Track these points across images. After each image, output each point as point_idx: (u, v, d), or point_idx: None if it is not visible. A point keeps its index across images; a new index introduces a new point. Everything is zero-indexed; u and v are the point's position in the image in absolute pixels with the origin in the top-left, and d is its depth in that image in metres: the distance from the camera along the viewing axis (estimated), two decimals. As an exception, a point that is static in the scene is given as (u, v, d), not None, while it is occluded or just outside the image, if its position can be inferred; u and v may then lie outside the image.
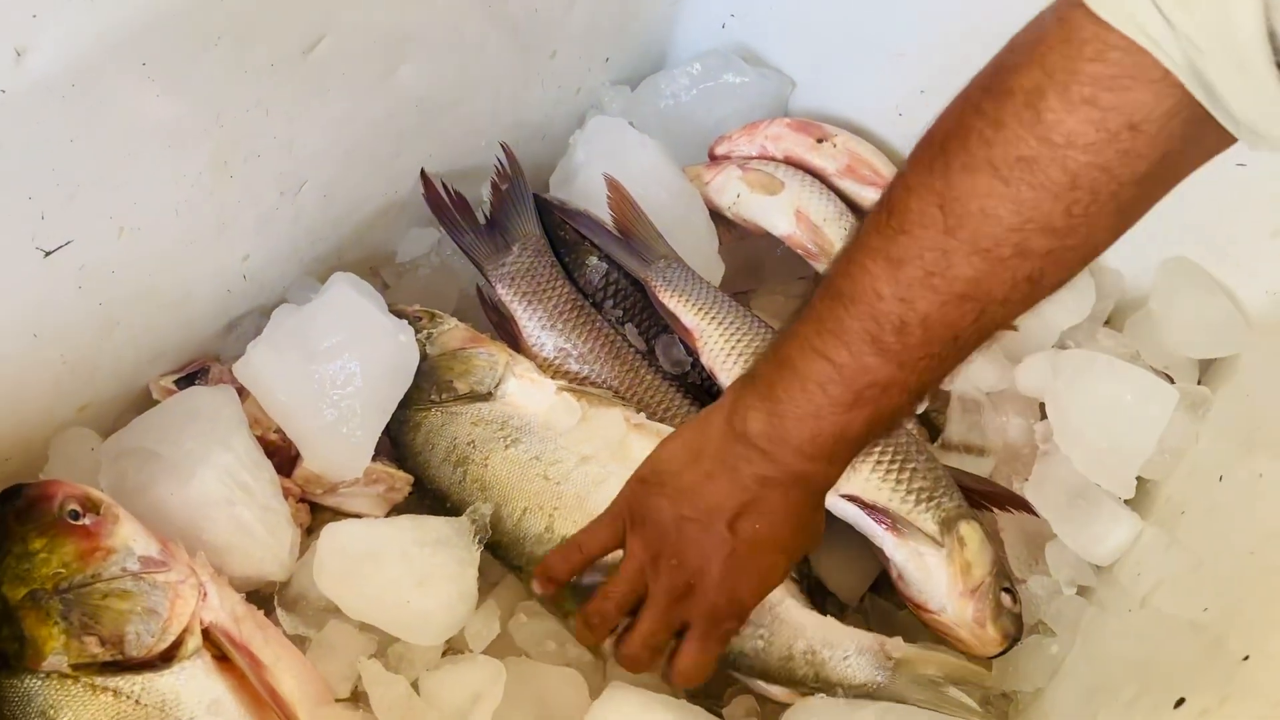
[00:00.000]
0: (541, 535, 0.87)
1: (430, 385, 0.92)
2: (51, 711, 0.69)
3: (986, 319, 0.60)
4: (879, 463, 0.93)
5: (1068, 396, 0.97)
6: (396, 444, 0.93)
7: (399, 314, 0.93)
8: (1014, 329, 1.08)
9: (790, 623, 0.86)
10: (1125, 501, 0.95)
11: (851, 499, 0.93)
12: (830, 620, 0.88)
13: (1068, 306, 1.08)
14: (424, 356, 0.92)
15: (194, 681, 0.72)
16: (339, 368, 0.86)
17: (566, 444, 0.89)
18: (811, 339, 0.64)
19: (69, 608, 0.71)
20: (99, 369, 0.85)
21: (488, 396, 0.91)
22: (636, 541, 0.74)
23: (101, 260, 0.78)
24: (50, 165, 0.70)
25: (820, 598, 0.96)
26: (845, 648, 0.86)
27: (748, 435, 0.69)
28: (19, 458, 0.82)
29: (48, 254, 0.73)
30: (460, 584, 0.81)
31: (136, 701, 0.70)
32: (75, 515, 0.75)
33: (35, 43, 0.65)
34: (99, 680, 0.70)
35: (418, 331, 0.93)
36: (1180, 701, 0.65)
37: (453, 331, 0.95)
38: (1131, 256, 1.10)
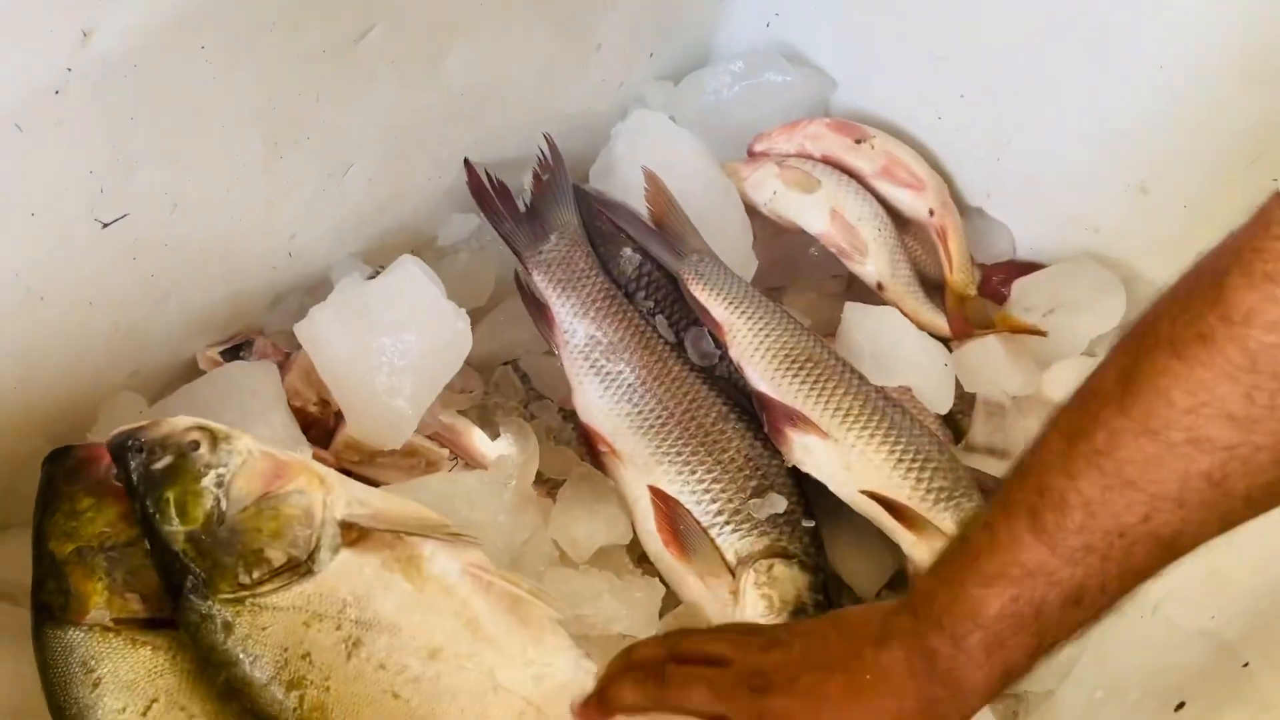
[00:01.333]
0: None
1: (235, 560, 0.71)
2: (92, 662, 0.72)
3: (1158, 521, 0.55)
4: (900, 460, 0.94)
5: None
6: (197, 645, 0.72)
7: (167, 435, 0.74)
8: (1043, 333, 1.10)
9: None
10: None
11: (871, 495, 0.94)
12: None
13: (1098, 314, 1.08)
14: (219, 518, 0.72)
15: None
16: (396, 341, 0.89)
17: (411, 636, 0.73)
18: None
19: (114, 565, 0.75)
20: (149, 337, 0.89)
21: (308, 567, 0.72)
22: None
23: (155, 233, 0.81)
24: (111, 142, 0.73)
25: (836, 591, 0.97)
26: None
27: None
28: (70, 419, 0.86)
29: (105, 225, 0.76)
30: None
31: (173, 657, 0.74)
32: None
33: (101, 25, 0.68)
34: (139, 635, 0.73)
35: (202, 471, 0.73)
36: (1180, 705, 0.66)
37: (250, 464, 0.74)
38: (1167, 269, 1.10)
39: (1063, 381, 1.04)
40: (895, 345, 1.06)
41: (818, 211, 1.14)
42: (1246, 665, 0.62)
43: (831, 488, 0.96)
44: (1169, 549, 0.56)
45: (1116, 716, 0.82)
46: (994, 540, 0.60)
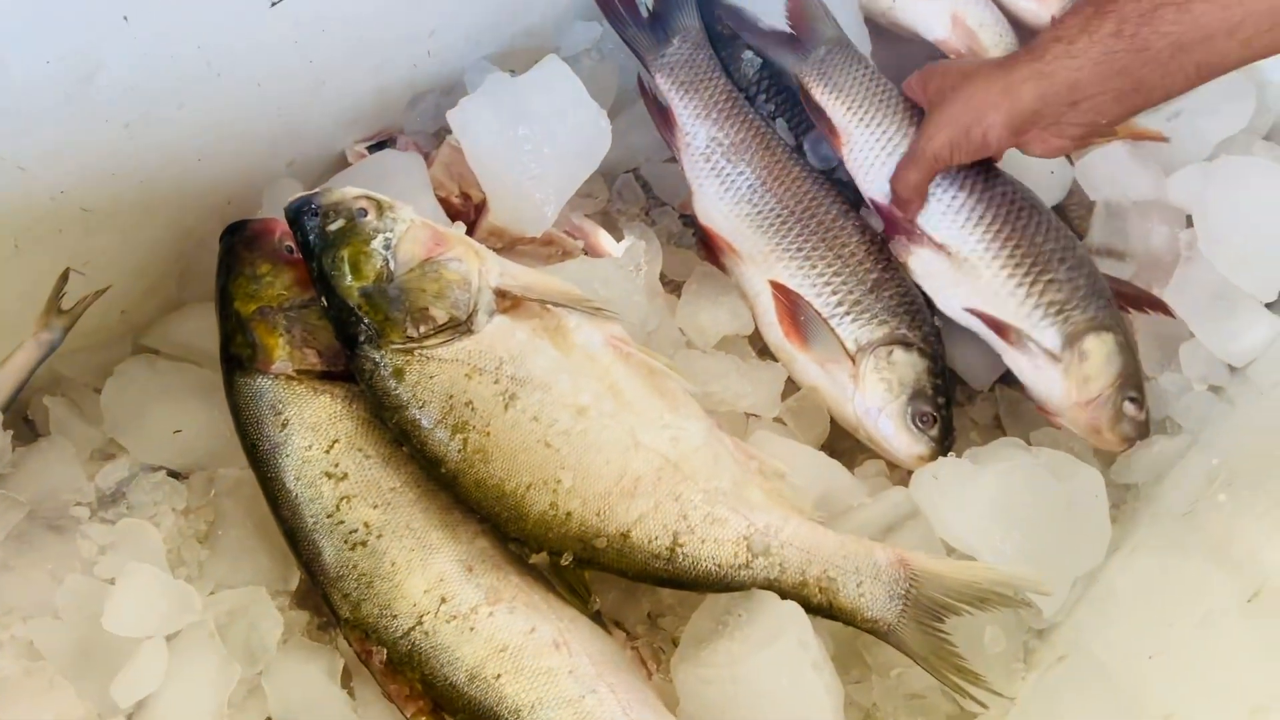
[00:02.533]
0: (545, 514, 0.79)
1: (403, 315, 0.78)
2: (280, 405, 0.79)
3: None
4: (1010, 275, 0.95)
5: (1218, 199, 0.98)
6: (371, 391, 0.79)
7: (339, 201, 0.81)
8: (1165, 139, 1.09)
9: (803, 547, 0.81)
10: (1267, 306, 0.97)
11: (974, 313, 0.96)
12: (847, 538, 0.82)
13: (1224, 117, 1.07)
14: (388, 277, 0.79)
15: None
16: (542, 130, 0.92)
17: (560, 395, 0.79)
18: None
19: (292, 323, 0.82)
20: (305, 127, 0.94)
21: (468, 326, 0.79)
22: None
23: (315, 15, 0.85)
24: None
25: (950, 383, 1.01)
26: (859, 571, 0.80)
27: None
28: (238, 203, 0.92)
29: (274, 4, 0.80)
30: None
31: (350, 405, 0.81)
32: (290, 250, 0.84)
33: None
34: (319, 384, 0.80)
35: (371, 235, 0.79)
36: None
37: (412, 232, 0.81)
38: (1298, 71, 1.08)
39: (1187, 187, 1.04)
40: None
41: (938, 17, 1.13)
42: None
43: (938, 302, 0.98)
44: None
45: (1221, 489, 0.85)
46: None
